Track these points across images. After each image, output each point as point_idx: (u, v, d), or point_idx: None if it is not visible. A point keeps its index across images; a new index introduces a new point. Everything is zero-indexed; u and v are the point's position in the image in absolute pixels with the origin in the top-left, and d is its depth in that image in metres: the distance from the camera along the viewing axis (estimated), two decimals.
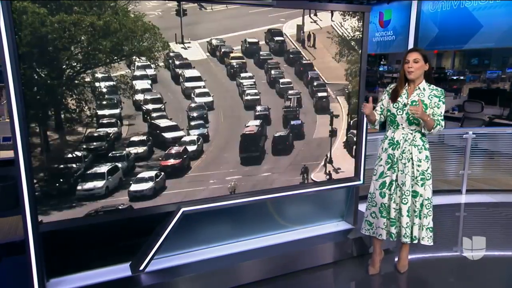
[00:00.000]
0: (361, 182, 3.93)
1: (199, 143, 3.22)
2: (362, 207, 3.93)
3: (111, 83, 2.90)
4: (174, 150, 3.17)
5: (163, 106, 3.10)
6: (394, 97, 3.27)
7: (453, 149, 5.89)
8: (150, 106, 3.05)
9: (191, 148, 3.20)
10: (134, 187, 3.06)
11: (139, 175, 3.07)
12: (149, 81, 3.03)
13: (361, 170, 3.91)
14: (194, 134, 3.22)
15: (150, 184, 3.10)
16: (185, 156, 3.20)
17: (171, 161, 3.16)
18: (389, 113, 3.33)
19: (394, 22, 20.55)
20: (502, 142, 5.96)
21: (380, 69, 18.48)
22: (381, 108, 3.40)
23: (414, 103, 3.15)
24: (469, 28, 17.39)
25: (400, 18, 20.28)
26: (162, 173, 3.14)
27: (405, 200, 3.27)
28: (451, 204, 5.49)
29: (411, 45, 20.87)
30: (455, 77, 13.97)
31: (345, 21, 3.60)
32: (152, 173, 3.11)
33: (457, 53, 20.20)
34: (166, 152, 3.15)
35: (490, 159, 6.17)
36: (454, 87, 10.97)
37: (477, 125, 7.80)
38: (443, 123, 3.20)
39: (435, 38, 19.35)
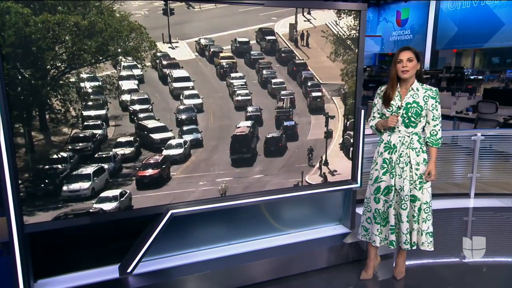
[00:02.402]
0: (358, 185, 3.82)
1: (186, 146, 3.16)
2: (360, 210, 3.82)
3: (97, 83, 2.88)
4: (153, 159, 3.08)
5: (150, 107, 3.06)
6: (386, 100, 3.16)
7: (466, 151, 5.69)
8: (137, 107, 3.02)
9: (177, 151, 3.14)
10: (96, 207, 2.94)
11: (102, 194, 2.94)
12: (136, 82, 2.99)
13: (358, 172, 3.79)
14: (187, 139, 3.17)
15: (114, 204, 2.98)
16: (163, 166, 3.10)
17: (149, 171, 3.06)
18: (384, 117, 3.22)
19: (412, 21, 20.21)
20: None
21: None
22: (378, 113, 3.29)
23: (409, 105, 3.09)
24: (490, 27, 16.99)
25: (418, 16, 19.95)
26: (128, 191, 3.02)
27: (404, 206, 3.16)
28: (458, 208, 5.32)
29: (429, 44, 20.51)
30: (472, 77, 13.59)
31: (340, 19, 3.49)
32: (117, 192, 2.99)
33: (477, 51, 19.76)
34: (143, 162, 3.05)
35: (505, 162, 5.96)
36: (468, 87, 10.66)
37: (491, 126, 7.57)
38: (440, 125, 3.17)
39: (454, 37, 18.97)
